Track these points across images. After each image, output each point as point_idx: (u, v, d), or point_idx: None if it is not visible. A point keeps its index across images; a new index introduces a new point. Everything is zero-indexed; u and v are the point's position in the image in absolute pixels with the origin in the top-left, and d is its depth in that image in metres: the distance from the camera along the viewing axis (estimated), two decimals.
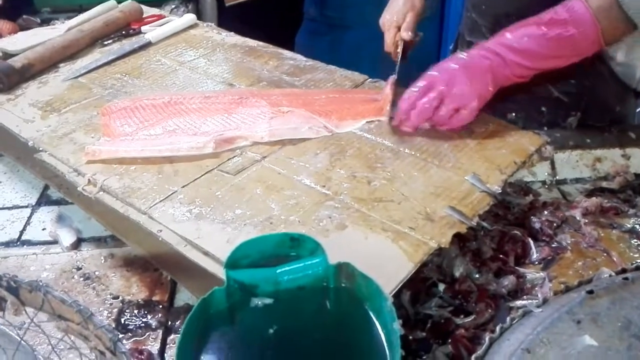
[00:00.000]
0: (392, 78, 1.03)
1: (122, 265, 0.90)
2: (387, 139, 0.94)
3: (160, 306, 0.83)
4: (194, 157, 0.91)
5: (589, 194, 0.98)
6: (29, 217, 1.02)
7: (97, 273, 0.89)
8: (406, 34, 1.11)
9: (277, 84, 1.12)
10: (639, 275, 0.67)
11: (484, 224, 0.81)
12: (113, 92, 1.12)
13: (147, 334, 0.79)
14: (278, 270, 0.61)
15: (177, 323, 0.81)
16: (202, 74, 1.17)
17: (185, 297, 0.85)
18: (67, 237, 0.95)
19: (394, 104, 0.97)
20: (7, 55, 1.23)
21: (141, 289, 0.86)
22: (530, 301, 0.75)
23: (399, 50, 1.12)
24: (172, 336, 0.79)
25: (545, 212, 0.92)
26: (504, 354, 0.61)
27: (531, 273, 0.82)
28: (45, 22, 1.62)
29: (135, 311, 0.82)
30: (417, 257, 0.72)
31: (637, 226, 0.89)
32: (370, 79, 1.12)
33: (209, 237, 0.76)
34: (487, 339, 0.63)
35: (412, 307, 0.77)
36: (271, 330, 0.59)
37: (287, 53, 1.24)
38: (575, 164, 1.06)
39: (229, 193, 0.84)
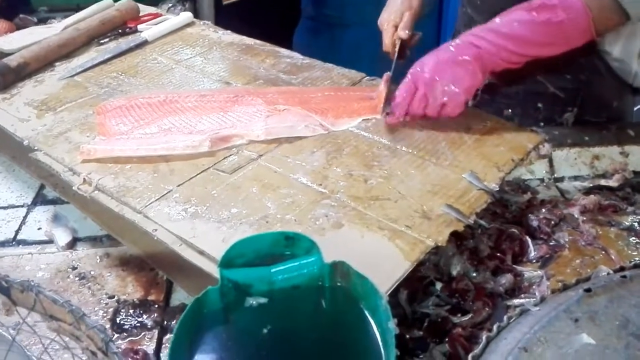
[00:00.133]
0: (387, 75, 1.02)
1: (117, 265, 0.89)
2: (384, 137, 0.93)
3: (156, 306, 0.83)
4: (189, 156, 0.90)
5: (587, 191, 0.98)
6: (25, 217, 1.01)
7: (92, 273, 0.88)
8: (403, 33, 1.11)
9: (273, 82, 1.11)
10: (637, 273, 0.67)
11: (482, 222, 0.81)
12: (109, 90, 1.12)
13: (143, 333, 0.79)
14: (273, 270, 0.61)
15: (172, 323, 0.80)
16: (198, 72, 1.17)
17: (181, 296, 0.85)
18: (62, 237, 0.94)
19: (388, 101, 0.97)
20: (3, 54, 1.23)
21: (137, 289, 0.85)
22: (527, 300, 0.75)
23: (396, 48, 1.11)
24: (167, 336, 0.79)
25: (543, 210, 0.91)
26: (501, 353, 0.60)
27: (529, 271, 0.82)
28: (42, 21, 1.61)
29: (131, 311, 0.82)
30: (414, 256, 0.71)
31: (636, 224, 0.89)
32: (367, 77, 1.11)
33: (204, 236, 0.76)
34: (484, 337, 0.63)
35: (409, 306, 0.76)
36: (266, 330, 0.58)
37: (284, 51, 1.23)
38: (573, 161, 1.06)
39: (225, 192, 0.83)
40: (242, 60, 1.20)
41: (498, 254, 0.84)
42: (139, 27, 1.35)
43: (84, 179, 0.87)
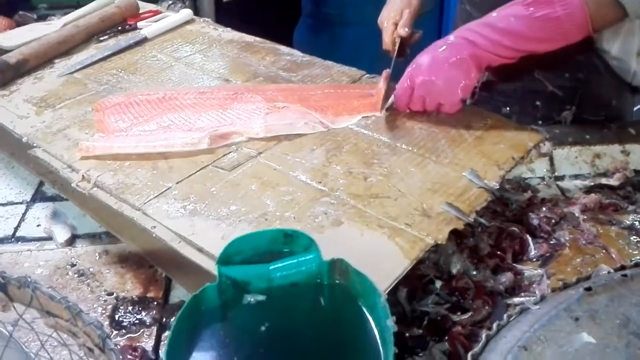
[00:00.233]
0: (386, 72, 1.02)
1: (116, 262, 0.89)
2: (384, 135, 0.93)
3: (155, 303, 0.82)
4: (188, 153, 0.90)
5: (588, 190, 0.97)
6: (24, 214, 1.01)
7: (91, 269, 0.88)
8: (403, 30, 1.10)
9: (273, 79, 1.11)
10: (637, 272, 0.67)
11: (482, 220, 0.80)
12: (108, 87, 1.11)
13: (142, 330, 0.79)
14: (271, 267, 0.61)
15: (171, 320, 0.80)
16: (198, 69, 1.16)
17: (180, 294, 0.84)
18: (61, 234, 0.94)
19: (387, 98, 0.97)
20: (2, 51, 1.22)
21: (135, 286, 0.85)
22: (527, 298, 0.74)
23: (396, 47, 1.11)
24: (166, 333, 0.78)
25: (544, 209, 0.91)
26: (501, 352, 0.60)
27: (529, 270, 0.81)
28: (42, 18, 1.61)
29: (130, 308, 0.82)
30: (414, 254, 0.71)
31: (637, 223, 0.89)
32: (367, 75, 1.11)
33: (203, 233, 0.76)
34: (483, 336, 0.63)
35: (409, 304, 0.76)
36: (264, 328, 0.58)
37: (284, 49, 1.23)
38: (574, 160, 1.05)
39: (224, 189, 0.83)
40: (242, 57, 1.20)
41: (498, 253, 0.83)
42: (139, 24, 1.35)
43: (83, 175, 0.87)
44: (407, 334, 0.73)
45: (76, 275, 0.87)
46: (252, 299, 0.60)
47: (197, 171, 0.87)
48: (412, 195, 0.80)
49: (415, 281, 0.78)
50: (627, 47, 1.04)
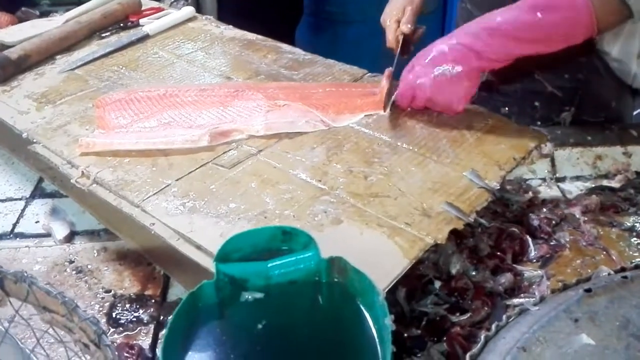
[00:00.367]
0: (389, 71, 1.02)
1: (114, 259, 0.89)
2: (384, 134, 0.92)
3: (153, 301, 0.82)
4: (188, 150, 0.90)
5: (589, 192, 0.97)
6: (23, 210, 1.01)
7: (89, 266, 0.88)
8: (405, 27, 1.10)
9: (275, 77, 1.11)
10: (638, 274, 0.66)
11: (482, 220, 0.80)
12: (109, 84, 1.11)
13: (139, 328, 0.78)
14: (269, 264, 0.60)
15: (169, 318, 0.80)
16: (199, 67, 1.16)
17: (178, 291, 0.84)
18: (60, 230, 0.94)
19: (390, 96, 0.96)
20: (4, 47, 1.22)
21: (133, 283, 0.85)
22: (527, 299, 0.74)
23: (399, 44, 1.10)
24: (164, 331, 0.78)
25: (544, 210, 0.91)
26: (500, 353, 0.60)
27: (529, 271, 0.81)
28: (45, 14, 1.60)
29: (127, 305, 0.81)
30: (413, 253, 0.71)
31: (637, 225, 0.88)
32: (369, 74, 1.10)
33: (202, 230, 0.75)
34: (482, 337, 0.62)
35: (408, 304, 0.76)
36: (261, 325, 0.58)
37: (285, 47, 1.22)
38: (575, 161, 1.05)
39: (224, 187, 0.83)
40: (244, 55, 1.20)
41: (498, 253, 0.83)
42: (141, 21, 1.35)
43: (83, 172, 0.87)
44: (405, 334, 0.73)
45: (74, 272, 0.87)
46: (249, 297, 0.60)
47: (197, 168, 0.86)
48: (412, 195, 0.80)
49: (414, 281, 0.78)
50: (628, 49, 1.04)
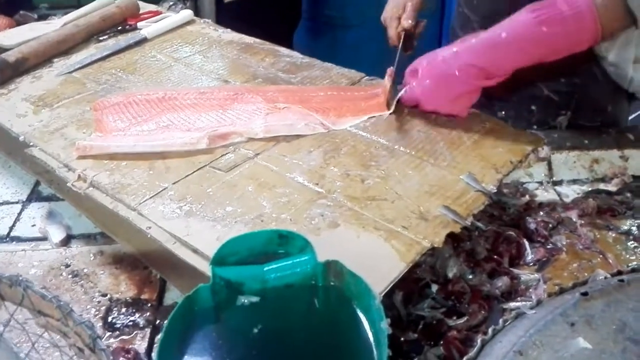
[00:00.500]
0: (391, 70, 1.02)
1: (111, 263, 0.89)
2: (382, 137, 0.92)
3: (149, 305, 0.82)
4: (186, 153, 0.90)
5: (586, 195, 0.97)
6: (19, 213, 1.01)
7: (85, 270, 0.88)
8: (406, 22, 1.10)
9: (272, 81, 1.11)
10: (634, 277, 0.66)
11: (479, 224, 0.80)
12: (107, 87, 1.11)
13: (135, 332, 0.78)
14: (265, 268, 0.60)
15: (165, 322, 0.79)
16: (197, 70, 1.16)
17: (174, 295, 0.84)
18: (56, 234, 0.94)
19: (393, 95, 0.97)
20: (2, 50, 1.22)
21: (130, 287, 0.85)
22: (524, 303, 0.74)
23: (401, 40, 1.10)
24: (160, 335, 0.78)
25: (541, 213, 0.91)
26: (496, 356, 0.60)
27: (525, 274, 0.81)
28: (43, 17, 1.61)
29: (123, 309, 0.81)
30: (410, 257, 0.71)
31: (634, 228, 0.88)
32: (367, 77, 1.11)
33: (198, 234, 0.75)
34: (479, 340, 0.62)
35: (405, 307, 0.76)
36: (257, 329, 0.58)
37: (283, 50, 1.23)
38: (572, 165, 1.05)
39: (220, 190, 0.83)
40: (242, 58, 1.20)
41: (495, 257, 0.83)
42: (139, 24, 1.35)
43: (79, 175, 0.87)
44: (402, 338, 0.73)
45: (70, 276, 0.87)
46: (246, 300, 0.60)
47: (194, 172, 0.86)
48: (409, 198, 0.80)
49: (411, 285, 0.77)
50: (624, 55, 1.04)
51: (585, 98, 1.11)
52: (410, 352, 0.71)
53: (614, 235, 0.88)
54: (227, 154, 0.90)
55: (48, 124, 1.00)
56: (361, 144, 0.91)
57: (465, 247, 0.83)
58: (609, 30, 0.85)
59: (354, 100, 1.01)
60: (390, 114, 0.97)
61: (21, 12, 1.65)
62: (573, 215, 0.90)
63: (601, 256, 0.84)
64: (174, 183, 0.84)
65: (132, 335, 0.77)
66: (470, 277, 0.80)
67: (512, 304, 0.76)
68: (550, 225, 0.89)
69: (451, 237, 0.77)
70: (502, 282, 0.79)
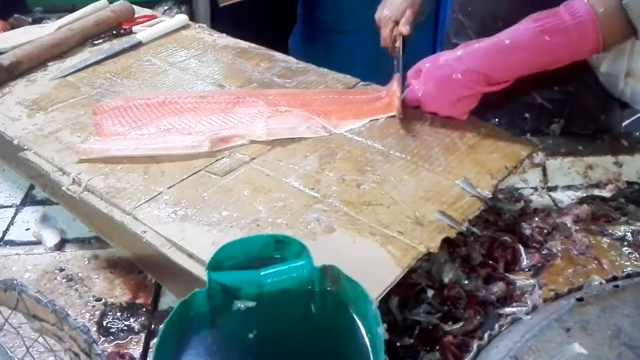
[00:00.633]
0: (397, 76, 1.02)
1: (105, 267, 0.88)
2: (377, 142, 0.92)
3: (144, 309, 0.81)
4: (181, 158, 0.89)
5: (581, 201, 0.97)
6: (13, 217, 1.00)
7: (80, 274, 0.87)
8: (405, 29, 1.10)
9: (268, 85, 1.11)
10: (629, 283, 0.66)
11: (474, 229, 0.80)
12: (102, 91, 1.11)
13: (130, 337, 0.78)
14: (262, 273, 0.60)
15: (160, 326, 0.79)
16: (192, 74, 1.16)
17: (169, 300, 0.83)
18: (50, 238, 0.93)
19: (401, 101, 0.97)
20: None
21: (124, 292, 0.84)
22: (519, 308, 0.74)
23: (398, 44, 1.10)
24: (155, 340, 0.78)
25: (536, 219, 0.91)
26: None
27: (521, 280, 0.81)
28: (37, 21, 1.60)
29: (118, 314, 0.81)
30: (405, 262, 0.71)
31: (629, 234, 0.89)
32: (362, 82, 1.11)
33: (194, 239, 0.75)
34: (475, 346, 0.62)
35: (400, 313, 0.76)
36: (253, 334, 0.57)
37: (278, 55, 1.23)
38: (567, 171, 1.05)
39: (216, 194, 0.82)
40: (237, 63, 1.20)
41: (490, 262, 0.83)
42: (134, 28, 1.35)
43: (74, 179, 0.86)
44: (398, 343, 0.72)
45: (64, 280, 0.86)
46: (242, 305, 0.59)
47: (189, 176, 0.86)
48: (405, 203, 0.80)
49: (407, 290, 0.77)
50: (616, 66, 1.04)
51: (578, 106, 1.12)
52: (406, 357, 0.71)
53: (608, 241, 0.88)
54: (222, 158, 0.90)
55: (42, 128, 0.99)
56: (356, 149, 0.91)
57: (460, 253, 0.83)
58: (611, 40, 0.84)
59: (355, 104, 1.01)
60: (384, 120, 0.97)
61: (15, 15, 1.64)
62: (568, 221, 0.90)
63: (596, 262, 0.84)
64: (169, 187, 0.84)
65: (126, 340, 0.77)
66: (466, 282, 0.80)
67: (508, 310, 0.76)
68: (545, 231, 0.89)
69: (447, 243, 0.77)
70: (498, 287, 0.79)
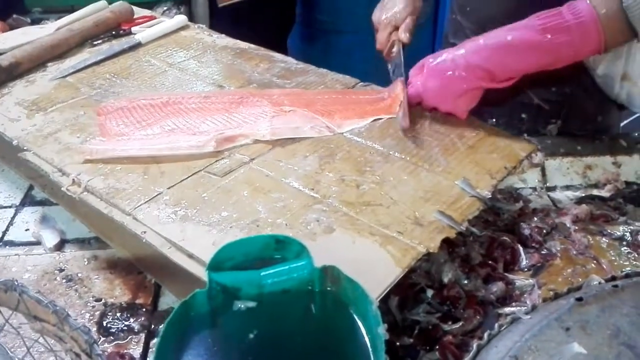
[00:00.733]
0: (401, 81, 1.01)
1: (105, 268, 0.88)
2: (377, 143, 0.93)
3: (144, 309, 0.82)
4: (182, 158, 0.90)
5: (579, 201, 0.97)
6: (13, 218, 1.00)
7: (79, 275, 0.87)
8: (406, 37, 1.10)
9: (267, 86, 1.11)
10: (628, 282, 0.67)
11: (473, 229, 0.80)
12: (101, 92, 1.11)
13: (130, 337, 0.78)
14: (262, 273, 0.60)
15: (160, 327, 0.79)
16: (191, 75, 1.16)
17: (169, 300, 0.84)
18: (50, 238, 0.93)
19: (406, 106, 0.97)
20: None
21: (124, 292, 0.84)
22: (518, 308, 0.74)
23: (396, 50, 1.10)
24: (154, 340, 0.78)
25: (535, 219, 0.91)
26: None
27: (520, 280, 0.81)
28: (36, 22, 1.60)
29: (118, 314, 0.81)
30: (405, 262, 0.71)
31: (627, 234, 0.89)
32: (361, 83, 1.11)
33: (193, 239, 0.75)
34: (474, 345, 0.62)
35: (400, 312, 0.76)
36: (254, 335, 0.57)
37: (278, 56, 1.23)
38: (566, 171, 1.06)
39: (216, 195, 0.83)
40: (236, 64, 1.20)
41: (490, 262, 0.83)
42: (133, 29, 1.34)
43: (73, 179, 0.86)
44: (397, 343, 0.73)
45: (64, 281, 0.86)
46: (242, 306, 0.60)
47: (189, 177, 0.86)
48: (404, 203, 0.80)
49: (406, 290, 0.78)
50: (613, 69, 1.04)
51: (575, 107, 1.12)
52: (406, 357, 0.71)
53: (607, 240, 0.88)
54: (222, 158, 0.90)
55: (42, 128, 0.99)
56: (356, 150, 0.91)
57: (460, 253, 0.84)
58: (613, 41, 0.84)
59: (359, 104, 1.01)
60: (382, 120, 0.97)
61: (14, 16, 1.64)
62: (567, 220, 0.91)
63: (595, 262, 0.84)
64: (169, 188, 0.84)
65: (126, 340, 0.77)
66: (465, 282, 0.80)
67: (507, 309, 0.76)
68: (545, 231, 0.89)
69: (446, 243, 0.77)
70: (497, 287, 0.79)
